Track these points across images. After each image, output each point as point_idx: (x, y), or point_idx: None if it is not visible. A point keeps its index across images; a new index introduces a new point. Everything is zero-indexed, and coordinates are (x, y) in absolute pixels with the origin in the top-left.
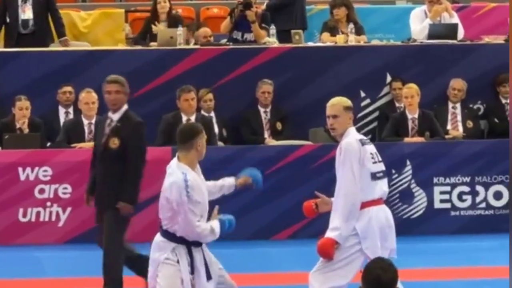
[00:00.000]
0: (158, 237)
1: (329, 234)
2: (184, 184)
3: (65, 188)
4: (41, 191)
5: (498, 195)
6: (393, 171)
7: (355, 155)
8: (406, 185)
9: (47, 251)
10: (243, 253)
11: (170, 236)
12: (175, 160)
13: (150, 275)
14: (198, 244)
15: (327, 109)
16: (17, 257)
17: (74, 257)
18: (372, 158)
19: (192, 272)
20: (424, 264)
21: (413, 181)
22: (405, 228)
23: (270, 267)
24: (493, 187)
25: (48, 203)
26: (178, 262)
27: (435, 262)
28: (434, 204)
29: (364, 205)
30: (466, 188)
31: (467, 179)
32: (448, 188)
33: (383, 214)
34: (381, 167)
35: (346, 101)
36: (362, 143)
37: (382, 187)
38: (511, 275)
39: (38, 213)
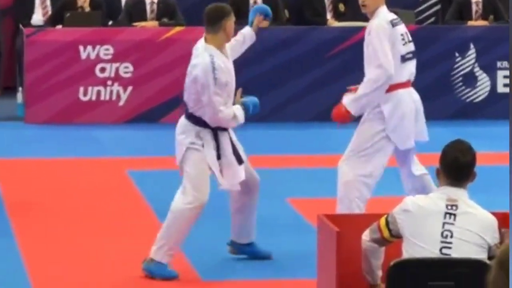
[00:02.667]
0: (183, 119)
1: (346, 100)
2: (211, 66)
3: (126, 67)
4: (102, 70)
5: None
6: (457, 54)
7: (386, 35)
8: (469, 68)
9: (107, 130)
10: (306, 134)
11: (195, 119)
12: (202, 41)
13: (177, 157)
14: (224, 128)
15: None
16: (77, 136)
17: (134, 137)
18: (403, 39)
19: (219, 157)
20: (485, 148)
21: (476, 64)
22: (468, 112)
23: (332, 148)
24: None
25: (109, 82)
26: (203, 146)
27: (497, 146)
28: (497, 88)
29: (392, 87)
30: None
31: None
32: None
33: (410, 98)
34: (411, 47)
35: None
36: (393, 24)
37: (410, 69)
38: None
39: (98, 92)
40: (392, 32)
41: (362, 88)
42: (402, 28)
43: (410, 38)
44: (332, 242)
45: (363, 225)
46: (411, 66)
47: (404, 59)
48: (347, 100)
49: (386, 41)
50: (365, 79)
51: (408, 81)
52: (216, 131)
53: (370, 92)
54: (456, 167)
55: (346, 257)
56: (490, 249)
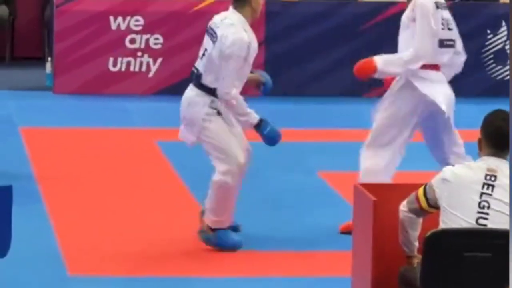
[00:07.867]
0: (190, 92)
1: (378, 58)
2: (247, 41)
3: (157, 38)
4: (132, 41)
5: None
6: (488, 31)
7: (430, 14)
8: (501, 46)
9: (136, 101)
10: (335, 109)
11: (207, 89)
12: (231, 13)
13: (190, 131)
14: None
15: None
16: (106, 106)
17: (163, 108)
18: (442, 24)
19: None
20: None
21: (507, 42)
22: (499, 89)
23: (361, 123)
24: None
25: (139, 53)
26: (218, 113)
27: None
28: None
29: (426, 67)
30: None
31: None
32: None
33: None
34: (452, 35)
35: None
36: (437, 6)
37: (445, 58)
38: None
39: (128, 63)
40: (435, 14)
41: (394, 64)
42: (446, 13)
43: (452, 27)
44: (369, 211)
45: (400, 195)
46: (447, 56)
47: (443, 44)
48: (379, 59)
49: (428, 23)
50: (399, 54)
51: (440, 67)
52: None
53: (400, 69)
54: (499, 135)
55: (383, 227)
56: None
